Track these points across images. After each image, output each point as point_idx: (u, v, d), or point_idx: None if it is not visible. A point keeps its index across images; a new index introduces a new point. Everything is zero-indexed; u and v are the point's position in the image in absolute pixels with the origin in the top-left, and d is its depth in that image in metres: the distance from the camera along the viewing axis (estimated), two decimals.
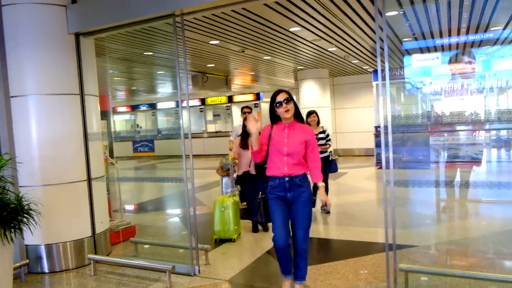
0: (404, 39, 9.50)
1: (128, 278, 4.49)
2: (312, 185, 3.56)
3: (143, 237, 6.04)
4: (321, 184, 3.44)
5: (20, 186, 4.67)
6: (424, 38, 9.24)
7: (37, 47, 4.65)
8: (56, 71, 4.75)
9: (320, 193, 3.50)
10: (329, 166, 6.60)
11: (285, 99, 3.33)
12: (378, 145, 13.07)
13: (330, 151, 6.74)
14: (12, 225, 3.69)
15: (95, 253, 5.02)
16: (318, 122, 6.73)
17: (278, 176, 3.35)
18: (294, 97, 16.98)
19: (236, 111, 20.64)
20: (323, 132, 6.70)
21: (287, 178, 3.34)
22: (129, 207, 8.73)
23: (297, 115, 3.43)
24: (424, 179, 3.62)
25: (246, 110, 6.92)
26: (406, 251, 4.80)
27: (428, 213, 6.99)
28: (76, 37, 4.89)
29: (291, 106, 3.34)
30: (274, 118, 3.45)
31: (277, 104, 3.35)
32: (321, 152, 6.31)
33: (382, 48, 3.64)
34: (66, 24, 4.80)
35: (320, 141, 6.40)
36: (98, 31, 4.91)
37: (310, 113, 6.71)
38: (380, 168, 12.23)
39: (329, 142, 6.69)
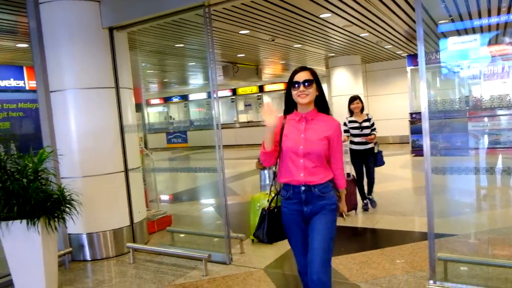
0: (440, 22, 9.17)
1: (165, 266, 4.60)
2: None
3: (179, 226, 6.16)
4: (343, 193, 2.72)
5: (62, 178, 4.85)
6: (461, 20, 8.88)
7: (74, 43, 4.78)
8: (92, 65, 4.87)
9: (341, 201, 2.72)
10: (374, 159, 5.98)
11: (305, 81, 2.49)
12: (413, 132, 12.75)
13: (376, 142, 5.99)
14: (56, 214, 3.85)
15: (134, 242, 5.17)
16: (363, 109, 6.02)
17: (291, 185, 2.54)
18: (325, 86, 16.66)
19: (267, 100, 20.60)
20: (368, 120, 5.97)
21: (303, 188, 2.50)
22: (165, 197, 8.92)
23: (320, 102, 2.59)
24: (463, 166, 3.50)
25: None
26: (445, 240, 4.68)
27: (467, 201, 6.78)
28: (110, 31, 4.99)
29: (311, 90, 2.50)
30: (289, 105, 2.62)
31: (295, 85, 2.51)
32: (365, 143, 5.90)
33: (425, 32, 3.50)
34: (100, 19, 4.91)
35: (364, 130, 5.89)
36: (130, 25, 4.99)
37: (353, 99, 5.99)
38: (416, 155, 11.97)
39: (374, 132, 5.96)
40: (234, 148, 18.51)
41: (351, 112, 6.02)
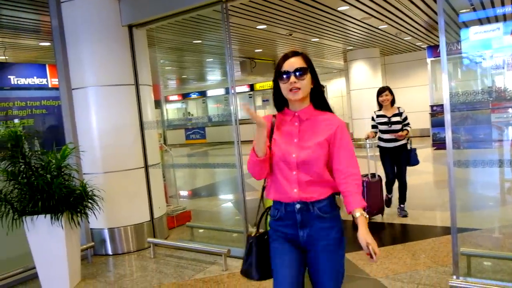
0: (461, 11, 8.96)
1: (185, 261, 4.65)
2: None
3: (198, 221, 6.22)
4: (359, 215, 1.86)
5: (84, 174, 4.94)
6: (483, 8, 8.66)
7: (94, 40, 4.85)
8: (113, 62, 4.94)
9: (361, 229, 1.84)
10: (407, 158, 5.31)
11: (296, 70, 1.89)
12: (434, 125, 12.53)
13: (409, 139, 5.37)
14: (78, 210, 3.93)
15: (154, 236, 5.24)
16: (393, 102, 5.41)
17: (283, 202, 1.96)
18: (343, 80, 16.44)
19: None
20: (399, 114, 5.32)
21: (298, 206, 1.92)
22: (184, 193, 9.01)
23: (316, 97, 1.99)
24: (486, 159, 3.43)
25: None
26: (468, 235, 4.60)
27: (491, 194, 6.65)
28: (129, 29, 5.04)
29: (305, 82, 1.91)
30: (279, 101, 2.01)
31: (283, 76, 1.91)
32: (396, 140, 5.27)
33: (446, 22, 3.41)
34: (120, 16, 4.96)
35: (394, 125, 5.27)
36: (149, 22, 5.03)
37: (381, 91, 5.39)
38: (437, 149, 11.76)
39: (407, 127, 5.30)
40: (251, 144, 18.51)
41: (380, 106, 5.42)
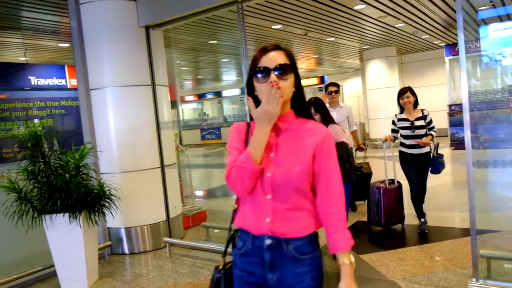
0: (480, 8, 8.80)
1: (201, 261, 4.67)
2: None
3: (214, 221, 6.24)
4: (346, 262, 1.45)
5: (101, 173, 5.00)
6: (503, 5, 8.49)
7: (112, 41, 4.91)
8: (130, 63, 4.99)
9: (345, 280, 1.44)
10: (430, 166, 4.85)
11: (277, 67, 1.47)
12: (452, 124, 12.33)
13: (436, 145, 4.87)
14: (96, 209, 3.98)
15: (170, 236, 5.27)
16: (416, 104, 4.83)
17: (251, 233, 1.53)
18: (359, 79, 16.31)
19: None
20: (423, 117, 4.76)
21: (268, 241, 1.49)
22: (199, 193, 9.05)
23: (298, 103, 1.57)
24: (506, 159, 3.36)
25: (332, 89, 5.56)
26: (488, 237, 4.51)
27: (511, 195, 6.51)
28: (146, 29, 5.09)
29: (286, 83, 1.48)
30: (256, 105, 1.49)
31: (260, 74, 1.49)
32: (420, 146, 4.76)
33: (465, 20, 3.35)
34: (137, 17, 5.01)
35: (418, 130, 4.73)
36: (166, 23, 5.06)
37: (402, 92, 4.79)
38: (455, 149, 11.56)
39: (432, 132, 4.79)
40: None
41: (402, 109, 4.89)
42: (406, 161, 4.87)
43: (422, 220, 5.01)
